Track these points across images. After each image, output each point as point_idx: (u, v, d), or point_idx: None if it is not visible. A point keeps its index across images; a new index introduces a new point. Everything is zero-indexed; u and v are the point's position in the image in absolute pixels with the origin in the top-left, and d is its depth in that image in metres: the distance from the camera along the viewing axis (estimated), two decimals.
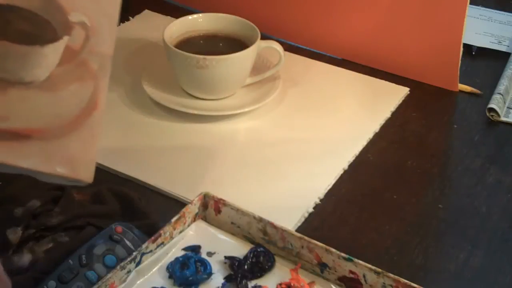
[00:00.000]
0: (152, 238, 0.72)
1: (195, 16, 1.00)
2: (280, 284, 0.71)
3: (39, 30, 0.67)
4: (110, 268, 0.70)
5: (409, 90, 1.01)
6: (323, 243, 0.71)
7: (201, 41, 0.99)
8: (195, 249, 0.74)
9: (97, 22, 0.70)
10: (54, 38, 0.67)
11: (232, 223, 0.76)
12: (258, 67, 0.98)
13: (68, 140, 0.67)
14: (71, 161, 0.66)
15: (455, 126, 0.98)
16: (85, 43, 0.69)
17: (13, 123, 0.65)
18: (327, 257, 0.71)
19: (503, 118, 0.96)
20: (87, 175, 0.67)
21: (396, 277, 0.68)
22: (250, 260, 0.72)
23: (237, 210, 0.75)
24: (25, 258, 0.72)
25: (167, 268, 0.72)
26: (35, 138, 0.65)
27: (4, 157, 0.63)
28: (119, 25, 1.12)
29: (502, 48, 1.10)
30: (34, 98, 0.66)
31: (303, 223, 0.80)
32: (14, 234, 0.73)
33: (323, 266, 0.72)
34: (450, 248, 0.79)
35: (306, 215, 0.81)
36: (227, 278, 0.71)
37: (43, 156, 0.65)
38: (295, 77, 1.02)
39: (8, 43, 0.64)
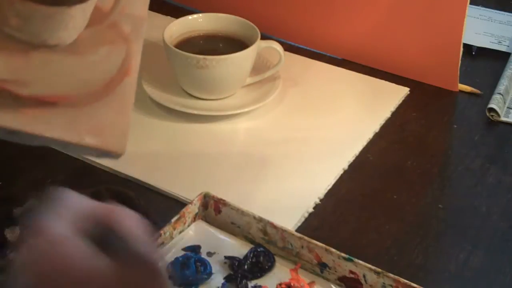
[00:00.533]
0: (152, 238, 0.72)
1: (195, 16, 1.00)
2: (280, 284, 0.71)
3: None
4: None
5: (409, 90, 1.01)
6: (323, 243, 0.71)
7: (201, 41, 0.99)
8: (195, 249, 0.74)
9: None
10: None
11: (232, 223, 0.76)
12: (258, 67, 0.98)
13: (97, 108, 0.61)
14: (100, 131, 0.61)
15: (455, 126, 0.98)
16: (115, 3, 0.64)
17: (37, 89, 0.60)
18: (327, 257, 0.71)
19: (503, 118, 0.96)
20: (119, 147, 0.61)
21: (396, 277, 0.68)
22: (250, 260, 0.72)
23: (237, 210, 0.75)
24: None
25: (167, 268, 0.72)
26: (61, 105, 0.60)
27: (28, 126, 0.58)
28: None
29: (502, 48, 1.10)
30: (60, 62, 0.61)
31: (303, 223, 0.80)
32: (12, 234, 0.73)
33: (323, 266, 0.72)
34: (450, 248, 0.79)
35: (306, 215, 0.81)
36: (227, 278, 0.71)
37: (70, 125, 0.60)
38: (295, 77, 1.02)
39: (32, 3, 0.59)
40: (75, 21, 0.61)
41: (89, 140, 0.60)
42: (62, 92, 0.61)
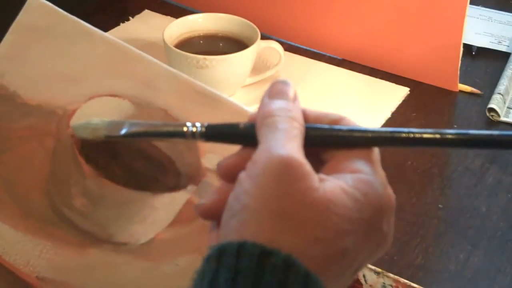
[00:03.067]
0: None
1: (195, 16, 1.00)
2: None
3: (154, 172, 0.48)
4: None
5: (409, 90, 1.01)
6: None
7: (201, 41, 0.99)
8: None
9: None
10: (174, 187, 0.49)
11: None
12: (258, 67, 0.98)
13: None
14: None
15: (455, 126, 0.98)
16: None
17: None
18: None
19: (503, 118, 0.96)
20: None
21: (396, 277, 0.68)
22: None
23: None
24: None
25: None
26: None
27: None
28: (119, 25, 1.12)
29: (502, 48, 1.10)
30: (123, 268, 0.46)
31: None
32: None
33: None
34: (450, 248, 0.79)
35: None
36: None
37: None
38: (295, 77, 1.02)
39: (107, 182, 0.47)
40: (156, 214, 0.48)
41: None
42: None
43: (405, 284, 0.68)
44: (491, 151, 0.92)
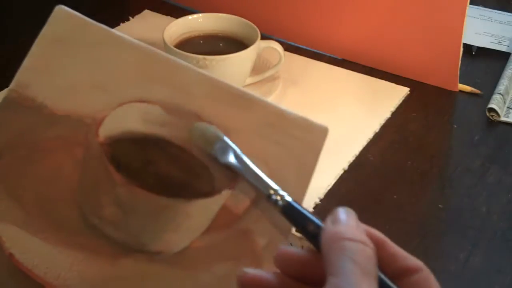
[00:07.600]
0: None
1: (195, 16, 1.00)
2: None
3: (187, 177, 0.46)
4: None
5: (409, 90, 1.01)
6: None
7: (201, 41, 0.99)
8: None
9: (280, 173, 0.50)
10: (208, 192, 0.46)
11: None
12: (258, 67, 0.98)
13: None
14: None
15: (455, 126, 0.98)
16: (253, 204, 0.47)
17: None
18: None
19: (503, 118, 0.96)
20: None
21: None
22: None
23: None
24: None
25: None
26: None
27: None
28: (119, 25, 1.12)
29: (502, 48, 1.10)
30: (157, 278, 0.44)
31: None
32: None
33: None
34: (450, 248, 0.79)
35: None
36: None
37: None
38: (295, 77, 1.02)
39: (137, 188, 0.45)
40: (191, 221, 0.45)
41: None
42: None
43: None
44: (491, 151, 0.92)
